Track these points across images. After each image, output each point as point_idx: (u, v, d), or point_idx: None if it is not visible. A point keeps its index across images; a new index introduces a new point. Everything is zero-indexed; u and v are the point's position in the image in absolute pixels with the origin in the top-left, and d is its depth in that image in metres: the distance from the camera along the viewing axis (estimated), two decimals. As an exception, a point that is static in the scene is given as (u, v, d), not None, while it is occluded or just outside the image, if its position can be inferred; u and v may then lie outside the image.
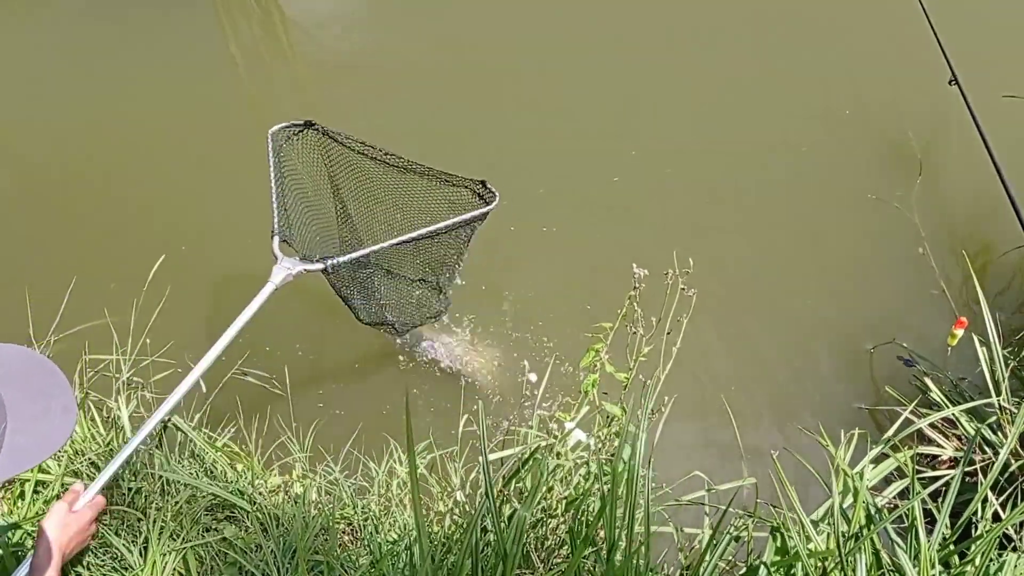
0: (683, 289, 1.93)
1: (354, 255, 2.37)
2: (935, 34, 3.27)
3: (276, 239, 2.42)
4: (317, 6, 5.18)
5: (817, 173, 3.77)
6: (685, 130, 4.02)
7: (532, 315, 3.16)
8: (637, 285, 1.96)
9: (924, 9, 3.36)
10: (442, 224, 2.38)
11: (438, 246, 2.54)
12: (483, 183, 2.49)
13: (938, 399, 2.66)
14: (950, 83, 3.14)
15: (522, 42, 4.65)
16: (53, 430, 1.00)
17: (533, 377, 2.09)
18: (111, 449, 2.27)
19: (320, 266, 2.33)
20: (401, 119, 4.15)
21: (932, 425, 2.60)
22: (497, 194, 2.44)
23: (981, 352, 2.66)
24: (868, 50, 4.37)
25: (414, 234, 2.36)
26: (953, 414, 2.57)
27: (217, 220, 3.59)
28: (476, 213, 2.42)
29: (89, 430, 2.37)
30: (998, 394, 2.57)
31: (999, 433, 2.46)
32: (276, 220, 2.44)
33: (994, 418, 2.52)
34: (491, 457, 2.16)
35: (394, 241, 2.36)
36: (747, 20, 4.66)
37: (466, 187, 2.52)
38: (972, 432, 2.57)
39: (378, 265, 2.68)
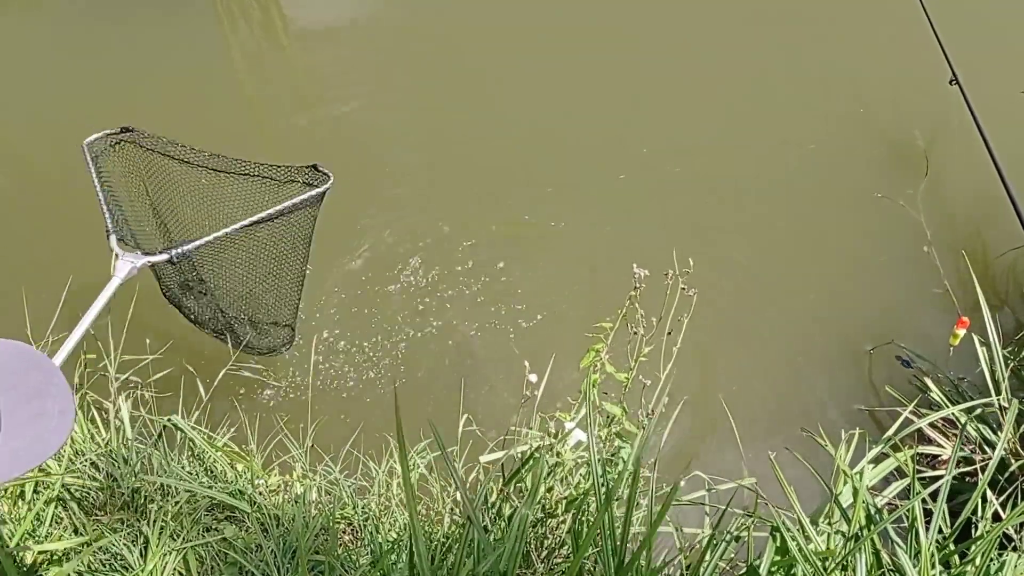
0: (683, 289, 1.93)
1: (197, 242, 2.35)
2: (935, 34, 3.27)
3: (112, 236, 2.37)
4: (316, 5, 5.18)
5: (823, 172, 3.77)
6: (693, 129, 4.03)
7: (537, 309, 3.18)
8: (637, 285, 1.96)
9: (924, 9, 3.36)
10: (275, 209, 2.38)
11: (278, 239, 2.53)
12: (313, 167, 2.47)
13: (938, 399, 2.66)
14: (951, 83, 3.14)
15: (532, 41, 4.65)
16: (49, 433, 0.96)
17: (533, 377, 2.08)
18: (110, 450, 2.26)
19: (164, 256, 2.30)
20: (403, 120, 4.14)
21: (932, 425, 2.60)
22: (331, 175, 2.42)
23: (981, 352, 2.66)
24: (875, 49, 4.38)
25: (247, 221, 2.36)
26: (953, 414, 2.57)
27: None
28: (307, 195, 2.41)
29: (88, 430, 2.37)
30: (998, 393, 2.57)
31: (999, 433, 2.46)
32: (108, 220, 2.40)
33: (994, 418, 2.52)
34: (491, 457, 2.16)
35: (228, 230, 2.35)
36: (753, 20, 4.66)
37: (295, 180, 2.51)
38: (972, 432, 2.58)
39: (221, 261, 2.64)
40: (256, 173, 2.56)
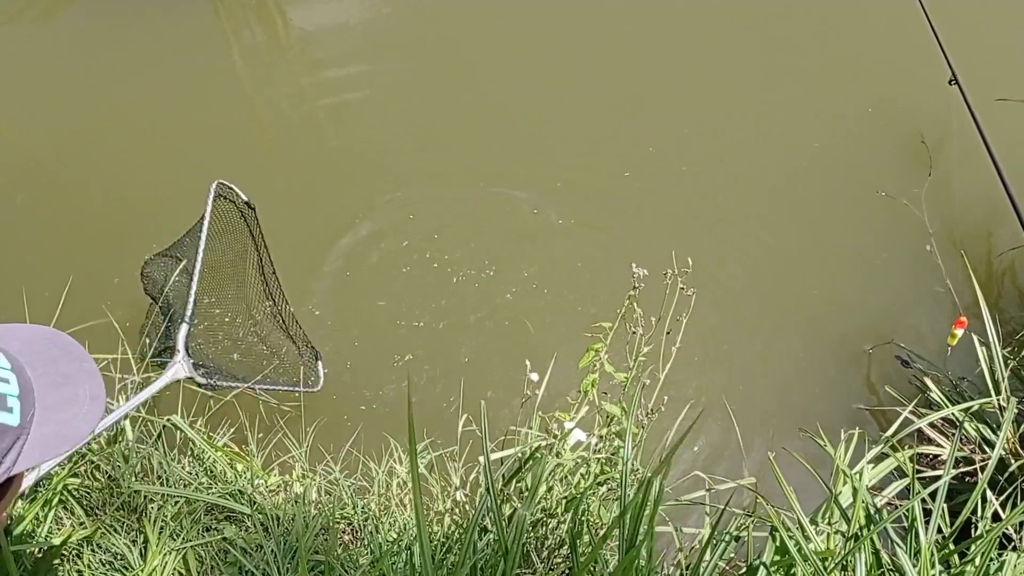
0: (683, 288, 1.93)
1: (224, 383, 2.52)
2: (935, 33, 3.27)
3: (185, 327, 2.42)
4: (318, 6, 5.17)
5: (828, 170, 3.77)
6: (699, 128, 4.02)
7: (538, 308, 3.18)
8: (637, 285, 1.96)
9: (924, 9, 3.36)
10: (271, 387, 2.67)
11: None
12: (316, 355, 2.84)
13: (938, 399, 2.66)
14: (950, 83, 3.14)
15: (539, 38, 4.63)
16: (80, 420, 0.95)
17: (535, 376, 2.08)
18: (110, 453, 2.26)
19: (204, 381, 2.42)
20: (405, 116, 4.14)
21: (932, 425, 2.60)
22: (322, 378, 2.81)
23: (980, 352, 2.66)
24: (881, 48, 4.37)
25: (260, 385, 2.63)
26: (952, 413, 2.57)
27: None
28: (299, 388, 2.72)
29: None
30: (997, 393, 2.57)
31: (998, 433, 2.46)
32: (190, 309, 2.46)
33: (994, 418, 2.52)
34: (491, 457, 2.16)
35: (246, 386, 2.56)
36: (761, 19, 4.66)
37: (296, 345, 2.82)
38: (971, 432, 2.58)
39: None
40: (288, 333, 2.85)
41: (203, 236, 2.55)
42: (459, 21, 4.82)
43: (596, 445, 2.01)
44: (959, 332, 2.58)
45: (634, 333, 2.01)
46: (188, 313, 2.43)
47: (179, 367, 2.34)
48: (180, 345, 2.38)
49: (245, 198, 2.71)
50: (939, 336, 2.87)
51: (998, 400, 2.54)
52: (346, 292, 3.30)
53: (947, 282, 3.06)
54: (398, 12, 4.99)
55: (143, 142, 4.08)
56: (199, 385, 2.43)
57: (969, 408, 2.52)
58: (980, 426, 2.57)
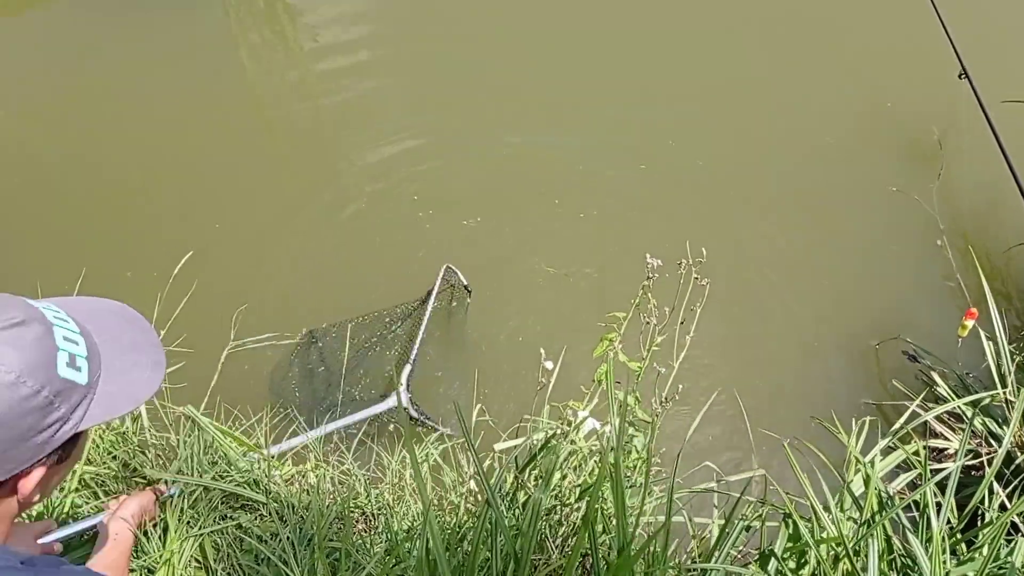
0: (696, 279, 1.95)
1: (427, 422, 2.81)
2: (944, 27, 3.30)
3: (408, 367, 2.83)
4: (323, 5, 5.21)
5: (840, 166, 3.81)
6: (716, 124, 4.07)
7: (556, 301, 3.23)
8: (651, 275, 1.98)
9: (934, 4, 3.38)
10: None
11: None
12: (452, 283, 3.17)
13: (945, 394, 2.68)
14: (960, 76, 3.15)
15: (558, 33, 4.68)
16: (142, 382, 1.02)
17: (549, 364, 2.10)
18: (115, 456, 2.28)
19: (417, 416, 2.77)
20: (418, 118, 4.17)
21: (940, 419, 2.63)
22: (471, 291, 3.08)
23: (987, 346, 2.68)
24: (891, 43, 4.41)
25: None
26: (959, 407, 2.59)
27: (227, 220, 3.63)
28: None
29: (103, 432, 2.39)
30: (1004, 387, 2.60)
31: (1005, 427, 2.49)
32: (415, 352, 2.88)
33: (1000, 412, 2.55)
34: (504, 445, 2.18)
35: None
36: (773, 16, 4.70)
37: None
38: (978, 426, 2.60)
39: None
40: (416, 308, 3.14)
41: (428, 309, 3.03)
42: (472, 15, 4.84)
43: (608, 433, 2.03)
44: (970, 323, 2.60)
45: (647, 323, 2.04)
46: (413, 356, 2.88)
47: (401, 397, 2.75)
48: (404, 379, 2.82)
49: (465, 282, 3.16)
50: (946, 330, 2.89)
51: (1004, 393, 2.57)
52: (368, 288, 3.34)
53: (957, 276, 3.07)
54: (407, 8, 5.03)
55: (153, 138, 4.11)
56: (410, 418, 2.76)
57: (978, 401, 2.55)
58: (987, 420, 2.59)
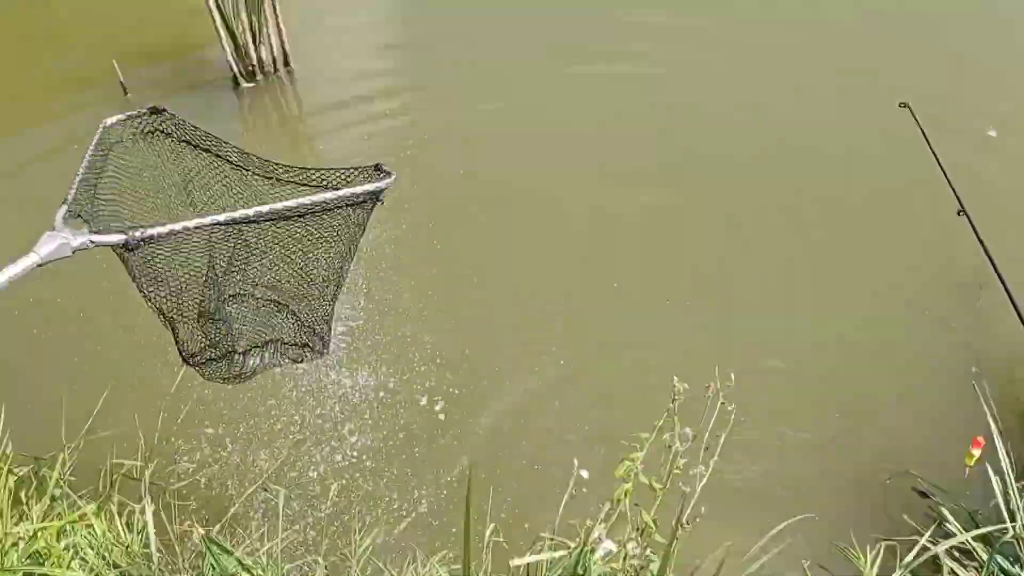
0: (723, 403, 1.96)
1: (194, 223, 1.70)
2: (941, 168, 3.45)
3: (63, 208, 1.71)
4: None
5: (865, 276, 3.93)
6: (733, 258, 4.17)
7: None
8: (675, 398, 1.99)
9: (932, 151, 3.54)
10: (331, 194, 1.91)
11: (321, 239, 2.07)
12: (376, 166, 2.02)
13: (954, 530, 2.66)
14: (959, 214, 3.28)
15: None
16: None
17: (585, 473, 2.07)
18: (131, 552, 2.20)
19: (119, 238, 1.61)
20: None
21: (951, 556, 2.59)
22: (393, 173, 1.99)
23: (995, 481, 2.68)
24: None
25: (292, 203, 1.84)
26: (967, 541, 2.57)
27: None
28: (371, 187, 1.96)
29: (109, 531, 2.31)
30: (1012, 521, 2.58)
31: (1017, 565, 2.46)
32: (73, 191, 1.76)
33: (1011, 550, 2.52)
34: (519, 562, 2.13)
35: (263, 209, 1.79)
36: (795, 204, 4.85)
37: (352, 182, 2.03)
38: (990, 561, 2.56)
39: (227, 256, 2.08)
40: (313, 181, 2.05)
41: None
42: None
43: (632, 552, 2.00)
44: (976, 452, 2.61)
45: (669, 448, 2.03)
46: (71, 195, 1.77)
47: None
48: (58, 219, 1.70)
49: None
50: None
51: (1014, 528, 2.55)
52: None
53: (991, 403, 3.01)
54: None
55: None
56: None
57: (985, 536, 2.52)
58: (998, 557, 2.56)
